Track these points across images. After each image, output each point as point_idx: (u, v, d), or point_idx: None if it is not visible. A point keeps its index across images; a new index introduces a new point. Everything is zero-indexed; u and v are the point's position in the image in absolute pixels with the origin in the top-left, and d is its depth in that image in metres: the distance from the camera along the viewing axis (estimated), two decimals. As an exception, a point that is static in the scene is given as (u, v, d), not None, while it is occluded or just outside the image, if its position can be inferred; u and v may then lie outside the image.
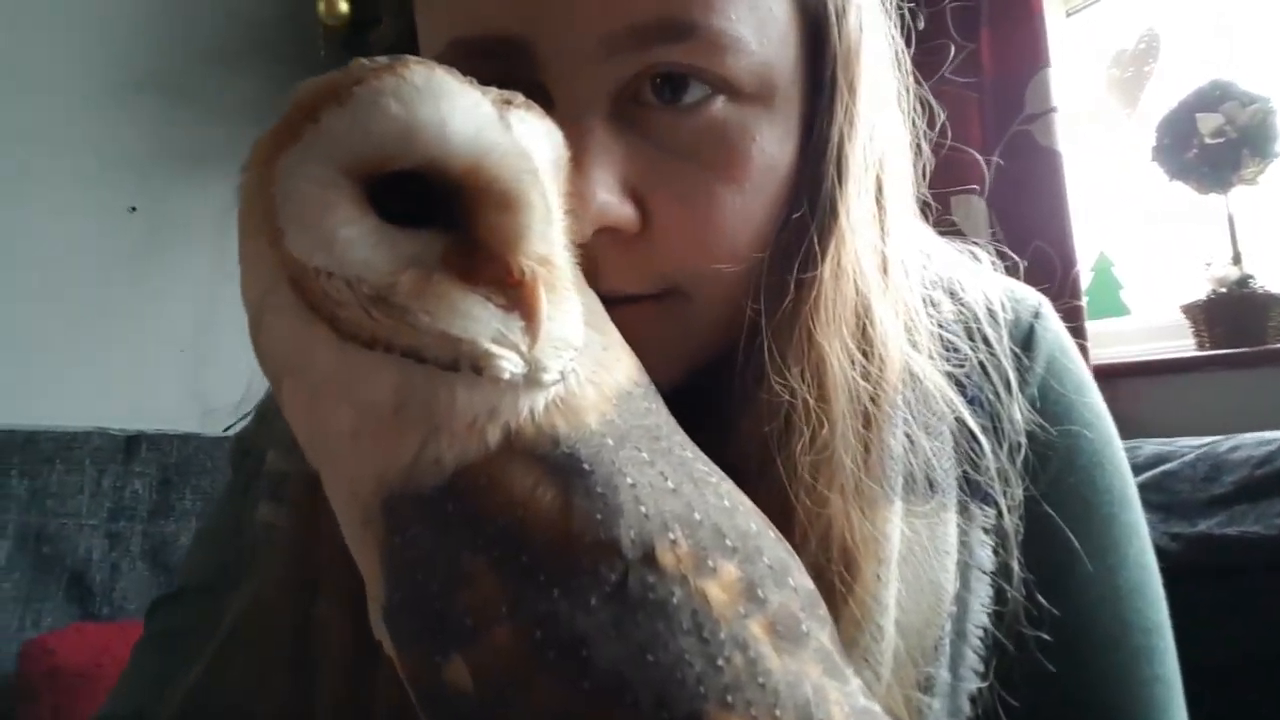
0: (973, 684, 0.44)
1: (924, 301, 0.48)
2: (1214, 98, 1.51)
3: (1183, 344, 1.62)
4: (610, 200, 0.38)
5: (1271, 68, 1.61)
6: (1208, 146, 1.50)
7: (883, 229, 0.45)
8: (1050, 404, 0.48)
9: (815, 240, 0.42)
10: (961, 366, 0.47)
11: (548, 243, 0.29)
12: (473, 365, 0.27)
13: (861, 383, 0.42)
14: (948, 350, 0.47)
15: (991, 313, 0.50)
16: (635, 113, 0.40)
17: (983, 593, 0.45)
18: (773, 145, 0.41)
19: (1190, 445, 1.06)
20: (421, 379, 0.28)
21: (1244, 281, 1.51)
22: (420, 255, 0.28)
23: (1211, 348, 1.54)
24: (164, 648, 0.52)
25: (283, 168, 0.28)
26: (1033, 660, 0.44)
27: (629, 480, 0.27)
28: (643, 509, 0.27)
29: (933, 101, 0.51)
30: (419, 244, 0.28)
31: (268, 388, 0.59)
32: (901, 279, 0.46)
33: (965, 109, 1.66)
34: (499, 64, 0.40)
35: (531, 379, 0.28)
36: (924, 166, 0.52)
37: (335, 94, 0.27)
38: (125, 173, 1.88)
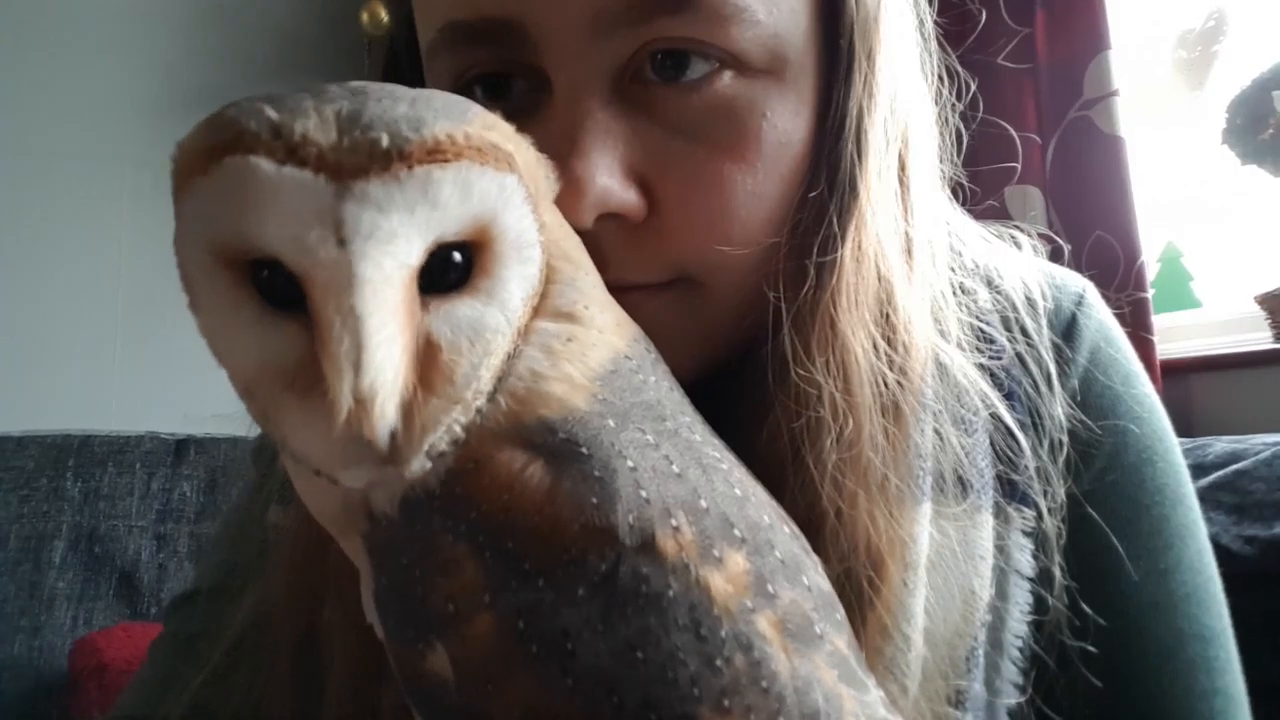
0: (1011, 698, 0.40)
1: (957, 289, 0.45)
2: (1290, 74, 1.42)
3: (1257, 337, 1.53)
4: (611, 185, 0.36)
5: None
6: (1284, 126, 1.42)
7: (906, 209, 0.42)
8: (1094, 397, 0.45)
9: (835, 221, 0.39)
10: (998, 359, 0.44)
11: (381, 359, 0.24)
12: (326, 475, 0.26)
13: (887, 372, 0.39)
14: (983, 341, 0.44)
15: (1030, 301, 0.47)
16: (638, 92, 0.38)
17: (1022, 600, 0.41)
18: (786, 121, 0.39)
19: (1265, 443, 0.99)
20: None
21: (1325, 269, 1.42)
22: (287, 350, 0.25)
23: (1290, 340, 1.46)
24: (176, 651, 0.51)
25: (176, 241, 0.26)
26: (1077, 673, 0.40)
27: (629, 463, 0.26)
28: (643, 494, 0.25)
29: (963, 73, 0.48)
30: (289, 336, 0.25)
31: None
32: (927, 262, 0.43)
33: (1020, 95, 1.60)
34: (494, 48, 0.38)
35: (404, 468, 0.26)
36: (957, 144, 0.49)
37: (186, 175, 0.24)
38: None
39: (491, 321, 0.27)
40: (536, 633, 0.24)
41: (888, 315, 0.40)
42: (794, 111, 0.39)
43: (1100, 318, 0.48)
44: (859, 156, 0.40)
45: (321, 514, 0.30)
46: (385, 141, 0.23)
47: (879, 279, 0.40)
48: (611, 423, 0.27)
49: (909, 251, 0.42)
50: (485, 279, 0.27)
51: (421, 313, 0.25)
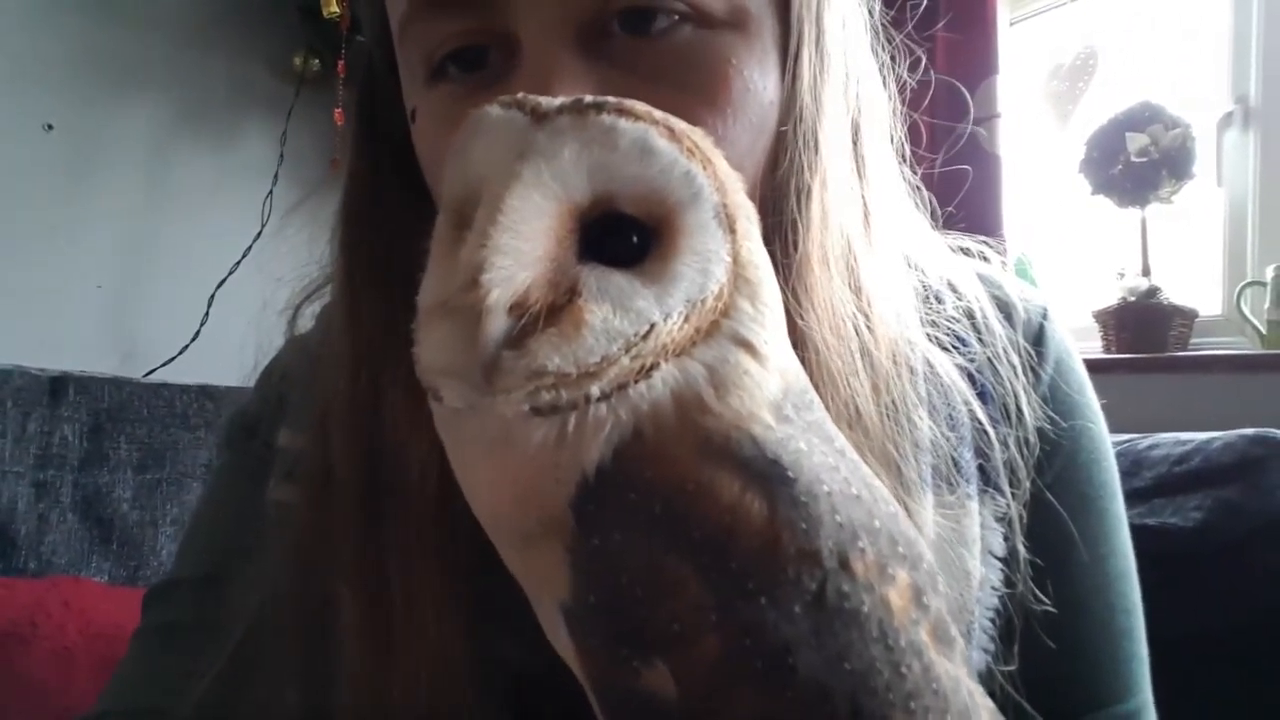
0: (980, 660, 0.47)
1: (928, 294, 0.49)
2: (1143, 118, 1.60)
3: (1091, 345, 1.71)
4: None
5: (1194, 94, 1.73)
6: (1133, 164, 1.59)
7: (862, 176, 0.45)
8: (1058, 402, 0.52)
9: (807, 174, 0.41)
10: (973, 361, 0.50)
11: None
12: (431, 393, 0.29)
13: (865, 331, 0.42)
14: (958, 343, 0.49)
15: (1004, 309, 0.52)
16: (605, 46, 0.39)
17: (994, 576, 0.48)
18: (752, 70, 0.40)
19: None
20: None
21: (1152, 292, 1.62)
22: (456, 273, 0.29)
23: (1118, 352, 1.64)
24: (163, 642, 0.50)
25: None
26: (1035, 636, 0.48)
27: (826, 489, 0.27)
28: (838, 518, 0.27)
29: (915, 47, 0.52)
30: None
31: (265, 366, 0.56)
32: (884, 235, 0.46)
33: (916, 109, 1.71)
34: (465, 15, 0.39)
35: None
36: (904, 138, 0.52)
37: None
38: (42, 87, 1.73)
39: (642, 302, 0.28)
40: (761, 649, 0.25)
41: (856, 277, 0.43)
42: (759, 61, 0.40)
43: (1061, 332, 0.55)
44: (818, 113, 0.41)
45: (499, 515, 0.29)
46: (586, 99, 0.29)
47: (844, 239, 0.42)
48: (803, 445, 0.28)
49: (866, 219, 0.45)
50: (654, 267, 0.28)
51: (576, 264, 0.28)
